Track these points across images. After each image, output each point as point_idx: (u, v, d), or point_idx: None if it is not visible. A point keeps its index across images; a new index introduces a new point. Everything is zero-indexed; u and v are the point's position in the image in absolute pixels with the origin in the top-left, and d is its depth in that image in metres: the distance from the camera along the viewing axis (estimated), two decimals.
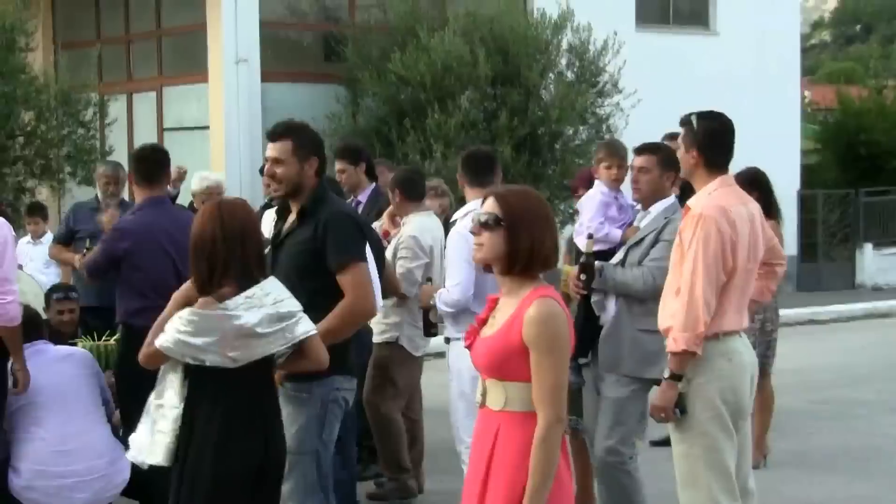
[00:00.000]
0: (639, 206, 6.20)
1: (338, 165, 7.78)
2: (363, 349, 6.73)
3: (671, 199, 5.99)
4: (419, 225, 7.08)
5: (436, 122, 14.20)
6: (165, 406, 4.49)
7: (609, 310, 5.98)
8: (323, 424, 4.92)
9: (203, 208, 4.62)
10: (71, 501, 5.94)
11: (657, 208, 5.96)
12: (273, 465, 4.54)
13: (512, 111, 14.61)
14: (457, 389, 6.30)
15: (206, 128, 15.71)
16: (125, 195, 8.83)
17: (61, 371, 6.16)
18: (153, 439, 4.50)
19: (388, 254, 7.07)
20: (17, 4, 14.39)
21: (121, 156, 14.98)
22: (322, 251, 4.88)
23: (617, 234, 6.54)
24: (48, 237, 10.08)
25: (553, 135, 15.26)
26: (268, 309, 4.40)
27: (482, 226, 3.82)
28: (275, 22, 16.28)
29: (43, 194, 14.63)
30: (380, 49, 15.36)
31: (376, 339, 7.13)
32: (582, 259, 6.02)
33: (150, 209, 6.30)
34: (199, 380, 4.46)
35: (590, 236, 6.07)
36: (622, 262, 5.94)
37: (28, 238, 10.38)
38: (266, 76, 15.60)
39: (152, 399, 4.54)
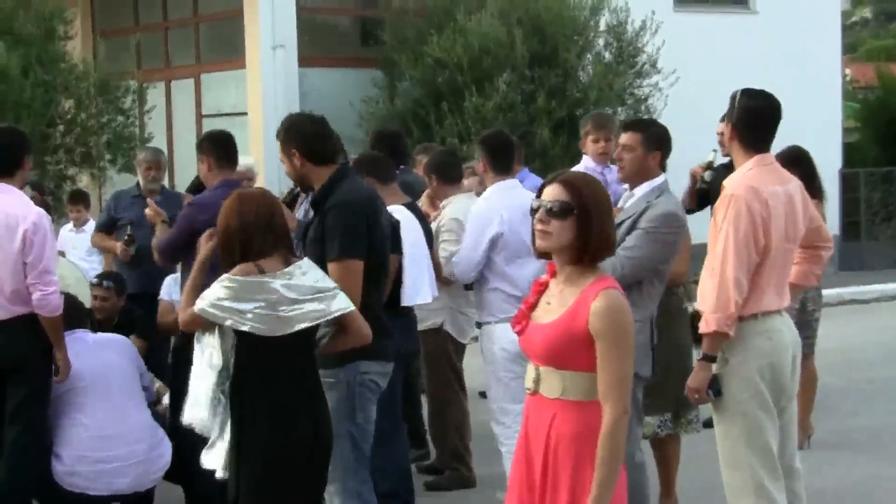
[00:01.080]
0: (626, 186, 5.93)
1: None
2: (411, 335, 6.71)
3: (657, 180, 5.64)
4: (460, 207, 7.07)
5: (473, 105, 14.15)
6: (204, 366, 4.63)
7: None
8: (353, 408, 4.98)
9: (224, 202, 4.74)
10: (112, 486, 5.98)
11: (641, 190, 5.61)
12: (322, 442, 4.64)
13: (550, 93, 14.54)
14: (490, 373, 6.32)
15: (245, 114, 15.76)
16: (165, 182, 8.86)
17: (101, 357, 6.21)
18: (199, 398, 4.67)
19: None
20: None
21: (160, 143, 15.08)
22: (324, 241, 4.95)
23: None
24: (90, 225, 10.15)
25: None
26: (304, 281, 4.54)
27: (550, 214, 3.70)
28: (311, 7, 16.29)
29: (83, 182, 14.72)
30: (416, 32, 15.33)
31: (420, 327, 7.07)
32: None
33: (225, 189, 6.36)
34: (246, 359, 4.58)
35: None
36: None
37: (70, 226, 10.46)
38: (303, 61, 15.60)
39: (194, 364, 4.69)
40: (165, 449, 6.10)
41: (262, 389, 4.56)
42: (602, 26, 15.55)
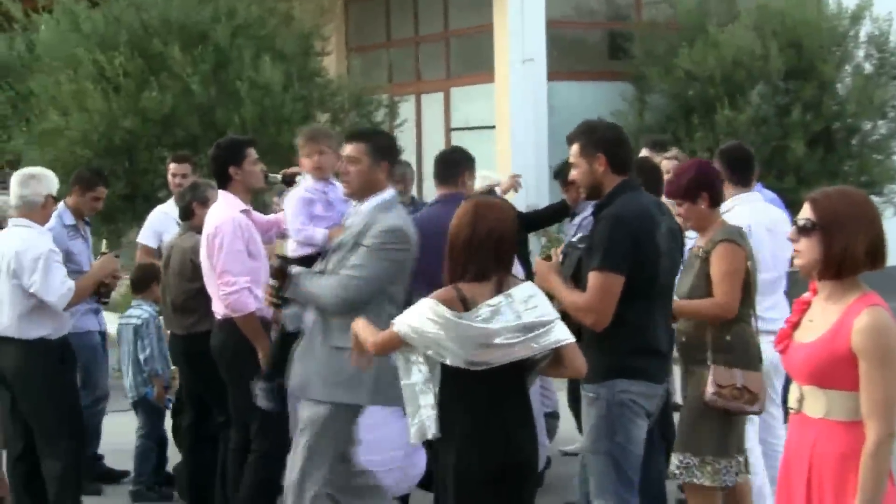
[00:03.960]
0: (354, 202, 5.46)
1: (645, 152, 7.86)
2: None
3: (386, 194, 5.27)
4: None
5: (725, 118, 13.87)
6: (419, 383, 4.51)
7: (308, 324, 5.34)
8: (613, 427, 4.88)
9: (461, 206, 4.62)
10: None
11: (368, 206, 5.22)
12: (515, 465, 4.52)
13: (805, 106, 14.10)
14: None
15: (493, 127, 15.91)
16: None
17: None
18: (420, 416, 4.53)
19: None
20: (314, 12, 15.00)
21: (409, 156, 15.38)
22: None
23: (321, 234, 5.87)
24: None
25: (849, 130, 14.64)
26: (513, 319, 4.37)
27: (799, 231, 3.74)
28: (561, 21, 16.31)
29: None
30: (667, 45, 15.14)
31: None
32: (274, 263, 5.35)
33: (439, 204, 6.46)
34: (445, 376, 4.51)
35: (282, 236, 5.36)
36: (323, 270, 5.27)
37: None
38: (552, 75, 15.65)
39: (403, 382, 4.57)
40: (420, 457, 6.16)
41: (455, 408, 4.50)
42: (862, 37, 14.97)
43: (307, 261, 5.50)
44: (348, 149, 5.34)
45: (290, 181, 6.49)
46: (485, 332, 4.34)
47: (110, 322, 8.13)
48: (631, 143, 5.17)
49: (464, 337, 4.34)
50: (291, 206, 6.02)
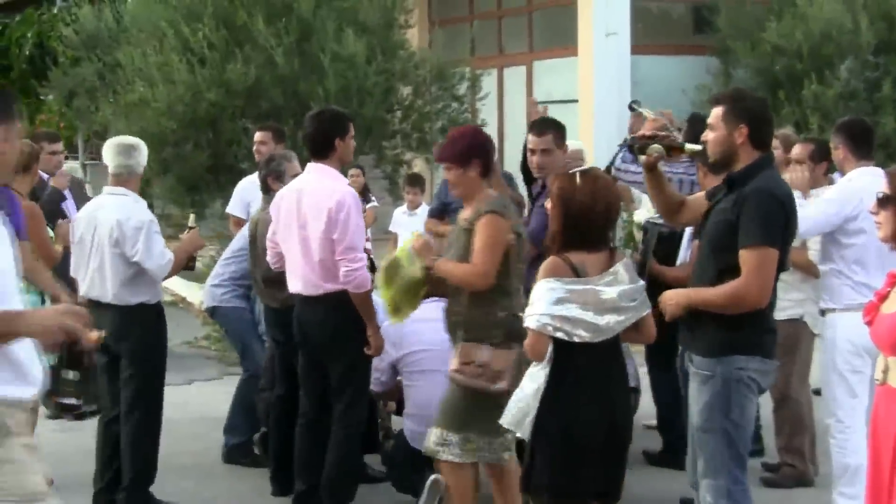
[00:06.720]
0: None
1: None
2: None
3: None
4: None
5: (812, 93, 13.64)
6: (530, 375, 4.68)
7: None
8: (729, 404, 4.79)
9: (578, 179, 4.71)
10: None
11: None
12: (617, 430, 4.72)
13: None
14: (828, 363, 6.15)
15: (575, 101, 15.80)
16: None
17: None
18: (523, 410, 4.69)
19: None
20: None
21: (491, 129, 15.34)
22: (736, 226, 4.71)
23: None
24: (423, 209, 10.46)
25: None
26: (626, 286, 4.63)
27: (878, 204, 3.79)
28: None
29: (418, 167, 15.17)
30: (753, 18, 14.92)
31: (779, 315, 6.88)
32: None
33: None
34: (555, 358, 4.63)
35: None
36: None
37: (404, 208, 10.81)
38: (636, 49, 15.50)
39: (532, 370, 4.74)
40: None
41: (568, 384, 4.61)
42: None
43: None
44: None
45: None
46: (611, 296, 4.56)
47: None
48: (773, 121, 5.03)
49: (595, 302, 4.54)
50: None
